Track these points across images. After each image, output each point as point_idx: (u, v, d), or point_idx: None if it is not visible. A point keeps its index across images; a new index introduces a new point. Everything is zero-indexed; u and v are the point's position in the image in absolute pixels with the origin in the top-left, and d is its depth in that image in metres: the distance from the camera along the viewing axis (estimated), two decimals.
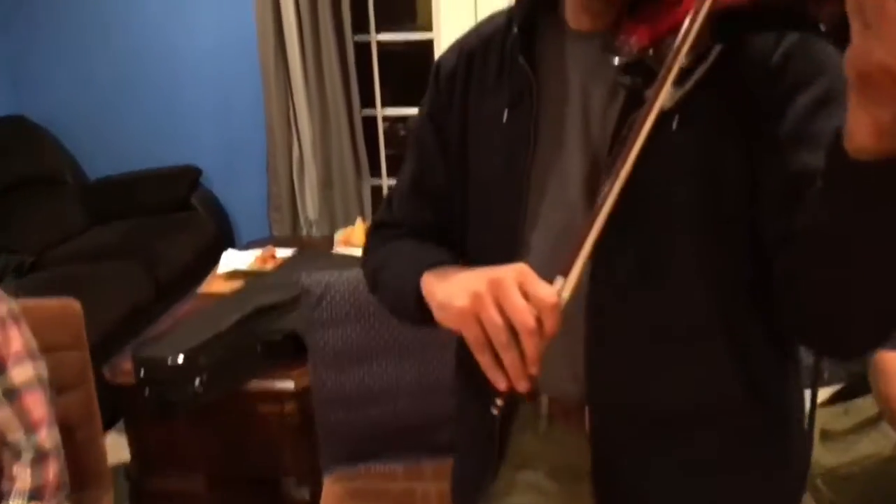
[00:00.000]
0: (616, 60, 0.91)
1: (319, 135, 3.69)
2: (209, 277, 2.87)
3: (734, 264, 0.94)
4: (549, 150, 1.00)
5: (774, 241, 0.87)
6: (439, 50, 3.61)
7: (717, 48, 0.84)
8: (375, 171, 3.88)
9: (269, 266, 2.82)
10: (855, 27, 0.63)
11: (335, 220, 3.80)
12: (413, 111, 4.29)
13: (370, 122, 3.79)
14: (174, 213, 3.79)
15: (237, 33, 3.70)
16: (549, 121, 1.01)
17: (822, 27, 0.75)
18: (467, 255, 1.10)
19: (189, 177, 3.87)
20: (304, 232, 3.87)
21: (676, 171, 0.91)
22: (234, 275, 2.80)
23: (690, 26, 0.80)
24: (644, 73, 0.88)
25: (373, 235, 1.25)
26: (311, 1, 3.48)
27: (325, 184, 3.77)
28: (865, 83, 0.64)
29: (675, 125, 0.88)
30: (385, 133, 3.87)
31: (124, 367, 2.24)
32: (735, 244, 0.93)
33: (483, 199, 1.08)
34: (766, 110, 0.88)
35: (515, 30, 1.03)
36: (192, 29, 3.78)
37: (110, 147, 3.94)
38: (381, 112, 3.83)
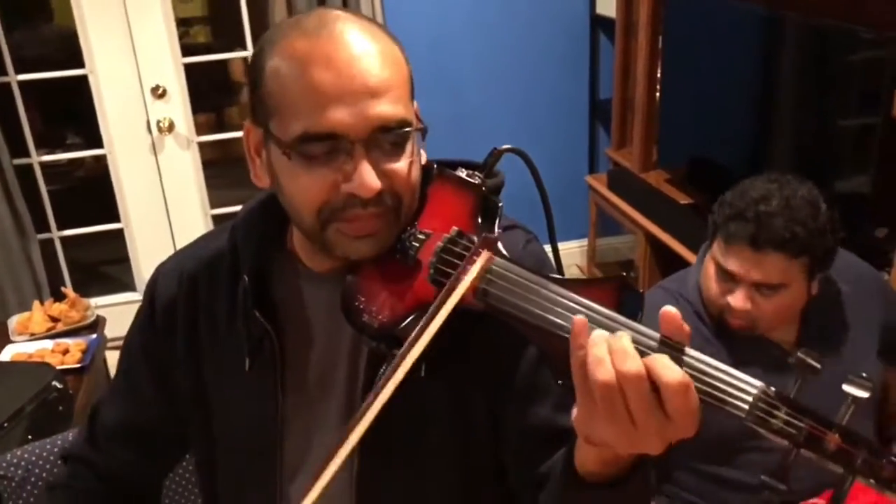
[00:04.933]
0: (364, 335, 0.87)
1: None
2: None
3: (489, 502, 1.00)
4: (300, 405, 0.98)
5: (518, 487, 0.95)
6: (96, 85, 3.22)
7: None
8: (42, 225, 3.42)
9: None
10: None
11: (3, 289, 3.31)
12: (78, 155, 3.91)
13: (26, 172, 3.31)
14: None
15: None
16: (295, 371, 0.97)
17: None
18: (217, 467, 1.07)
19: None
20: None
21: (428, 416, 0.93)
22: None
23: (436, 313, 0.77)
24: (389, 341, 0.84)
25: (70, 464, 1.17)
26: None
27: None
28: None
29: (423, 371, 0.85)
30: (46, 179, 3.40)
31: None
32: (488, 488, 0.98)
33: (234, 447, 1.04)
34: (504, 364, 0.92)
35: (246, 279, 0.94)
36: None
37: None
38: (38, 159, 3.35)
